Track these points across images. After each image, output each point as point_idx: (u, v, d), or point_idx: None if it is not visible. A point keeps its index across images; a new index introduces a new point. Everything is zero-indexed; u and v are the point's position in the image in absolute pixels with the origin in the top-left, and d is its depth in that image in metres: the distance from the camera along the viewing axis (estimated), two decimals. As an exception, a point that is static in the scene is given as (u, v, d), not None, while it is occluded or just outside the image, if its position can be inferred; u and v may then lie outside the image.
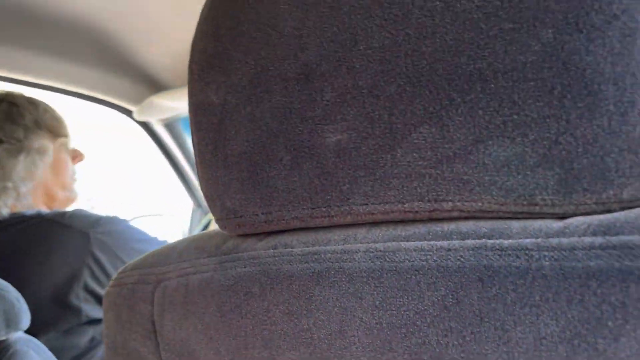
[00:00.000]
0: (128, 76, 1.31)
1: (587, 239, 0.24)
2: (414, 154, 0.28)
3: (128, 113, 1.47)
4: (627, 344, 0.22)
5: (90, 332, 0.91)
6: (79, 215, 0.94)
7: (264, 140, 0.33)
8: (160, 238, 1.06)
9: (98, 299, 0.91)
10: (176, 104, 1.33)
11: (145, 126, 1.54)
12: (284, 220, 0.34)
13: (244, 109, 0.34)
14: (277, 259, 0.34)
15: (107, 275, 0.92)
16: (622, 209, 0.25)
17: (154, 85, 1.35)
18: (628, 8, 0.23)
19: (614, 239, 0.23)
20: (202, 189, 0.39)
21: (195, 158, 0.39)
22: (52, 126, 1.02)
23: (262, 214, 0.35)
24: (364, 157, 0.30)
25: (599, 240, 0.24)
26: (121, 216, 1.00)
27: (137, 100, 1.39)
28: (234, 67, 0.34)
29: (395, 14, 0.28)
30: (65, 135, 1.06)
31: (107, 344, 0.46)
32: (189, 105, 0.39)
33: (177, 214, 1.81)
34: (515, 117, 0.25)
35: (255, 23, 0.33)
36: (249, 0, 0.33)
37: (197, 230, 1.69)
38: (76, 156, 1.09)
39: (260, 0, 0.32)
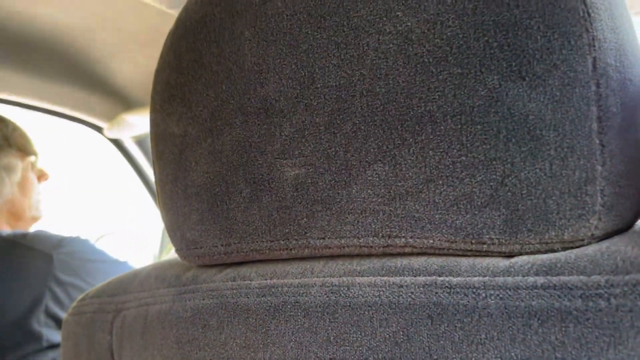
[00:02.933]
0: (98, 92, 1.30)
1: (531, 279, 0.25)
2: (369, 191, 0.29)
3: (99, 130, 1.45)
4: None
5: (50, 355, 0.88)
6: (41, 236, 0.92)
7: (224, 172, 0.33)
8: (127, 258, 1.04)
9: (59, 323, 0.88)
10: (148, 121, 1.32)
11: (117, 143, 1.52)
12: (243, 252, 0.34)
13: (205, 141, 0.34)
14: (235, 291, 0.34)
15: (70, 297, 0.89)
16: (564, 249, 0.26)
17: (125, 102, 1.34)
18: (567, 58, 0.24)
19: (555, 279, 0.24)
20: (162, 218, 0.39)
21: (156, 188, 0.39)
22: (21, 144, 1.00)
23: (222, 245, 0.35)
24: (321, 192, 0.30)
25: (541, 280, 0.24)
26: (84, 236, 0.98)
27: (108, 117, 1.38)
28: (195, 99, 0.34)
29: (351, 54, 0.29)
30: (34, 154, 1.04)
31: None
32: (151, 135, 0.39)
33: (147, 233, 1.79)
34: (463, 158, 0.26)
35: (217, 57, 0.33)
36: (211, 33, 0.33)
37: (166, 252, 1.67)
38: (42, 175, 1.07)
39: (223, 34, 0.33)
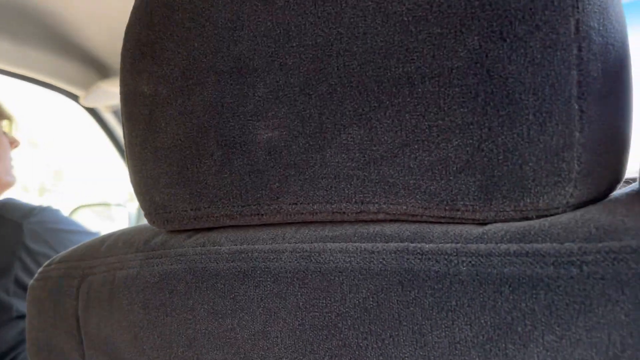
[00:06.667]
0: (74, 59, 1.26)
1: (504, 246, 0.24)
2: (343, 155, 0.28)
3: (75, 98, 1.41)
4: (535, 350, 0.23)
5: (21, 325, 0.87)
6: (11, 204, 0.90)
7: (195, 134, 0.32)
8: (98, 230, 1.02)
9: None
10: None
11: (93, 112, 1.48)
12: (213, 217, 0.33)
13: (175, 101, 0.33)
14: (204, 257, 0.33)
15: (40, 267, 0.88)
16: (539, 216, 0.25)
17: (102, 70, 1.31)
18: (550, 20, 0.23)
19: (528, 247, 0.24)
20: (131, 181, 0.38)
21: (125, 150, 0.37)
22: None
23: (191, 210, 0.34)
24: (295, 156, 0.29)
25: (514, 247, 0.24)
26: (55, 206, 0.96)
27: (85, 86, 1.34)
28: (166, 57, 0.33)
29: (329, 12, 0.27)
30: (8, 118, 1.01)
31: (30, 340, 0.44)
32: (120, 95, 0.37)
33: (124, 204, 1.76)
34: (440, 122, 0.25)
35: (190, 13, 0.32)
36: None
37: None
38: (13, 142, 1.04)
39: None
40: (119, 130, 1.54)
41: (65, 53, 1.23)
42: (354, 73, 0.27)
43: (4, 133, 1.01)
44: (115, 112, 1.48)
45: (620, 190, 0.27)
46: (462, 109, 0.25)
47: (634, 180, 0.34)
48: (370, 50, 0.27)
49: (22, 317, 0.87)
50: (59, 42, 1.18)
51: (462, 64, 0.25)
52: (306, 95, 0.28)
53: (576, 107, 0.24)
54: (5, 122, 1.00)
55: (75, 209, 1.68)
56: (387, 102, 0.27)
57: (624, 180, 0.29)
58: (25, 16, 1.06)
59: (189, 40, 0.32)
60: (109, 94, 1.31)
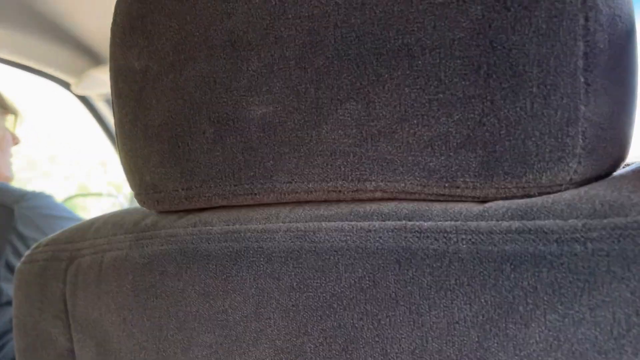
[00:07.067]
0: (66, 47, 1.24)
1: (505, 223, 0.24)
2: (339, 131, 0.27)
3: (66, 86, 1.39)
4: (536, 330, 0.22)
5: (11, 311, 0.85)
6: (3, 189, 0.89)
7: (187, 111, 0.31)
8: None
9: None
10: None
11: (85, 100, 1.46)
12: (205, 197, 0.32)
13: (166, 77, 0.31)
14: (195, 237, 0.32)
15: None
16: (541, 193, 0.25)
17: (94, 57, 1.29)
18: None
19: (530, 224, 0.23)
20: (120, 161, 0.37)
21: (115, 129, 0.36)
22: (1, 103, 0.96)
23: (183, 189, 0.33)
24: (289, 133, 0.28)
25: (515, 224, 0.23)
26: (47, 192, 0.95)
27: (76, 73, 1.32)
28: (157, 31, 0.32)
29: None
30: (14, 113, 1.00)
31: (17, 325, 0.43)
32: (110, 71, 0.36)
33: (117, 194, 1.75)
34: (440, 95, 0.25)
35: None
36: None
37: None
38: (14, 138, 1.04)
39: None
40: (111, 119, 1.52)
41: (57, 39, 1.21)
42: (351, 45, 0.26)
43: (7, 129, 1.01)
44: (107, 101, 1.47)
45: (625, 168, 0.27)
46: (463, 82, 0.24)
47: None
48: (368, 22, 0.26)
49: (12, 302, 0.86)
50: (50, 29, 1.16)
51: (465, 34, 0.24)
52: (302, 69, 0.28)
53: (582, 79, 0.23)
54: (9, 117, 0.99)
55: (70, 198, 1.66)
56: (386, 76, 0.26)
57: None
58: (16, 2, 1.04)
59: (181, 13, 0.31)
60: (101, 82, 1.29)
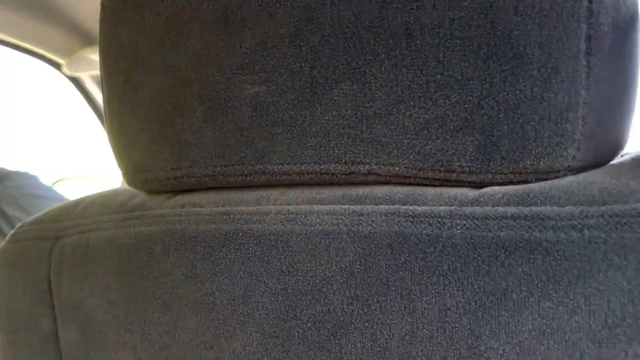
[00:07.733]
0: (57, 26, 1.22)
1: (500, 209, 0.23)
2: (334, 112, 0.26)
3: (57, 66, 1.37)
4: (529, 317, 0.22)
5: None
6: None
7: (177, 88, 0.30)
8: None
9: None
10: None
11: (76, 82, 1.44)
12: (194, 177, 0.31)
13: (157, 54, 0.31)
14: (183, 218, 0.31)
15: None
16: (538, 179, 0.24)
17: (86, 37, 1.26)
18: None
19: (526, 210, 0.22)
20: (109, 140, 0.36)
21: (104, 106, 0.35)
22: None
23: (171, 169, 0.32)
24: (282, 113, 0.28)
25: (511, 210, 0.23)
26: (32, 172, 0.94)
27: (68, 53, 1.30)
28: (148, 5, 0.31)
29: None
30: None
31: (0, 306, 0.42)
32: (99, 47, 0.35)
33: (112, 177, 1.73)
34: (439, 77, 0.24)
35: None
36: None
37: None
38: None
39: None
40: (102, 100, 1.50)
41: (47, 18, 1.18)
42: (348, 23, 0.25)
43: None
44: (99, 83, 1.45)
45: (624, 156, 0.26)
46: (462, 63, 0.23)
47: None
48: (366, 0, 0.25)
49: None
50: (41, 7, 1.14)
51: (465, 14, 0.23)
52: (296, 48, 0.27)
53: (584, 63, 0.22)
54: None
55: (58, 180, 1.64)
56: (383, 56, 0.25)
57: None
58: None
59: None
60: (93, 63, 1.27)
